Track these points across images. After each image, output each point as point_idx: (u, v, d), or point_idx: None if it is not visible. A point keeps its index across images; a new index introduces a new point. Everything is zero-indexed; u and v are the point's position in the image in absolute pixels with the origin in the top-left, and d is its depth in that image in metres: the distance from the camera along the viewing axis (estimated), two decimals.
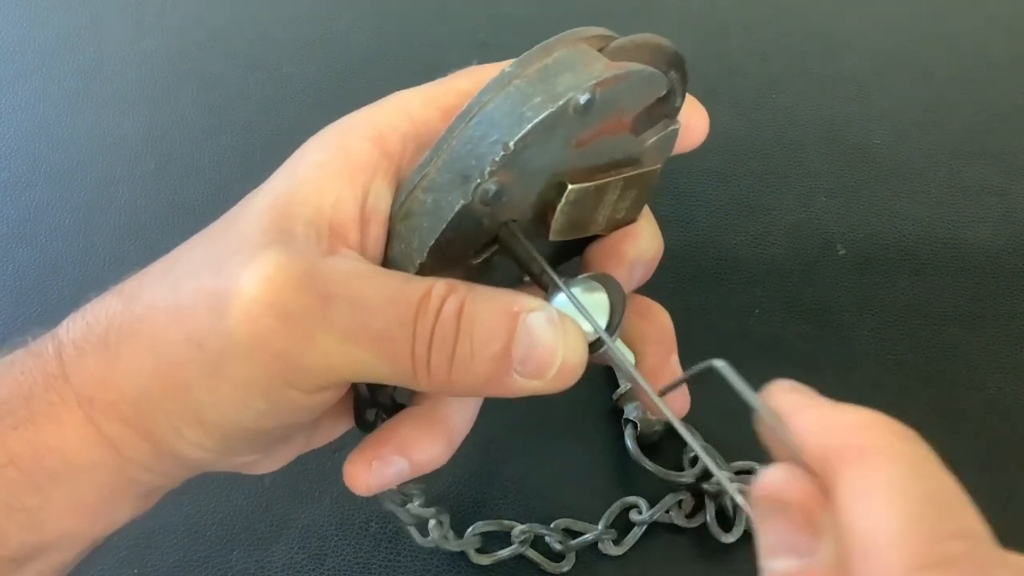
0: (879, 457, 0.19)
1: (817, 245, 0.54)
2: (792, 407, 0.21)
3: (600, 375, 0.47)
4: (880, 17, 0.70)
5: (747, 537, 0.42)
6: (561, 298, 0.28)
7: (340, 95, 0.63)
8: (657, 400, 0.27)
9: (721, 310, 0.50)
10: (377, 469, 0.30)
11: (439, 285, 0.26)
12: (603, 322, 0.28)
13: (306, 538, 0.42)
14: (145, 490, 0.29)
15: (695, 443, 0.25)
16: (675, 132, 0.30)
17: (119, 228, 0.54)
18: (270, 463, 0.32)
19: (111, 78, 0.64)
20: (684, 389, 0.32)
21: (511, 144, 0.25)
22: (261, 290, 0.25)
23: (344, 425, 0.33)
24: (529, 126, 0.25)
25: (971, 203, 0.56)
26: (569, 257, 0.33)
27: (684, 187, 0.57)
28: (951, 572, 0.18)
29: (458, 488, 0.42)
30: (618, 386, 0.46)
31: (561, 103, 0.26)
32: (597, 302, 0.28)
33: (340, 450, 0.44)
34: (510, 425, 0.45)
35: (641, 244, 0.31)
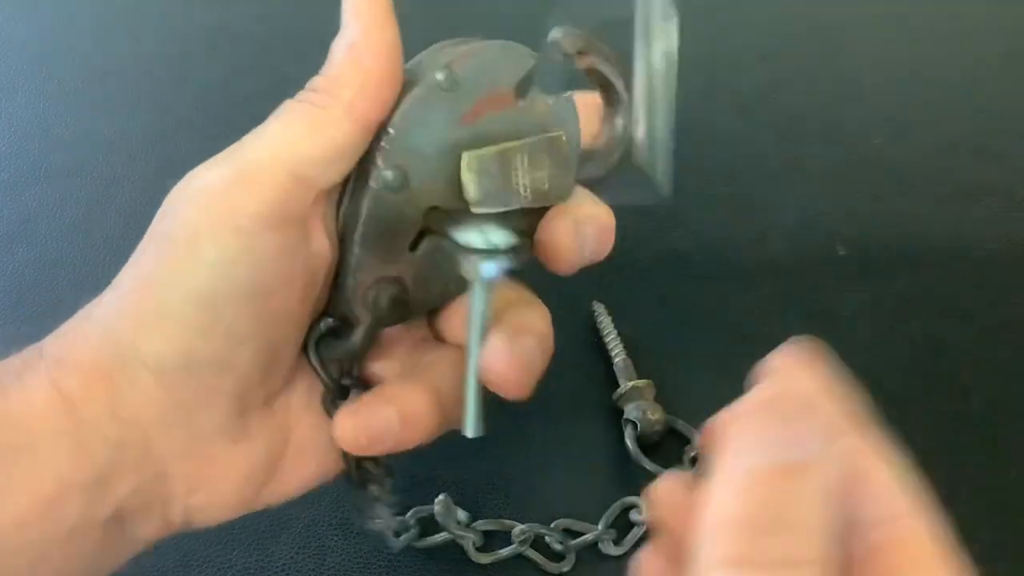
0: (722, 462, 0.21)
1: (817, 245, 0.54)
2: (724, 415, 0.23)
3: (600, 375, 0.47)
4: (880, 17, 0.70)
5: None
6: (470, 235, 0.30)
7: None
8: (473, 347, 0.30)
9: (721, 310, 0.50)
10: (365, 417, 0.31)
11: None
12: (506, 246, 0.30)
13: (306, 538, 0.42)
14: (99, 493, 0.28)
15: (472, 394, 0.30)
16: (568, 100, 0.33)
17: (119, 228, 0.54)
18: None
19: (111, 78, 0.64)
20: (512, 362, 0.31)
21: (390, 128, 0.29)
22: None
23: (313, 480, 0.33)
24: (401, 108, 0.29)
25: (971, 203, 0.56)
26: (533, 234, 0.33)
27: (684, 187, 0.56)
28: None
29: (458, 488, 0.42)
30: (618, 386, 0.46)
31: (424, 82, 0.30)
32: (503, 236, 0.30)
33: None
34: (510, 426, 0.45)
35: (585, 209, 0.33)
